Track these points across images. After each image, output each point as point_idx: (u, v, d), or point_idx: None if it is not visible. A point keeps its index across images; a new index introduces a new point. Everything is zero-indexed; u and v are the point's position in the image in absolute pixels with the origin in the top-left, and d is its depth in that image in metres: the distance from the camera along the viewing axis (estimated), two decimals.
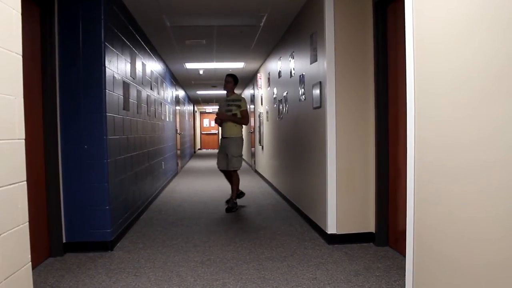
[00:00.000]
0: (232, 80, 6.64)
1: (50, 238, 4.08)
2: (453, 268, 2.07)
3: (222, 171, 6.70)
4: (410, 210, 2.51)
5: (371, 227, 4.43)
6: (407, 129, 2.52)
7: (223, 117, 6.53)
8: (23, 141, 2.24)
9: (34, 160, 3.80)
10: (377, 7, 4.22)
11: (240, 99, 6.63)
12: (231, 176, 6.63)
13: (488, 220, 1.82)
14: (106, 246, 4.34)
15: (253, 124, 12.61)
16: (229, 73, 6.92)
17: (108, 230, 4.36)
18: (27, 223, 2.26)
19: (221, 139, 6.76)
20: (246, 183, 9.75)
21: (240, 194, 6.77)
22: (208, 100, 20.91)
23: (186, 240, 4.72)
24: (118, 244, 4.58)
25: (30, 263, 2.28)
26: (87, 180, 4.28)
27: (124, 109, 5.01)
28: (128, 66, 5.35)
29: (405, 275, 2.61)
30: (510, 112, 1.67)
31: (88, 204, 4.29)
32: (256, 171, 11.96)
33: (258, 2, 5.37)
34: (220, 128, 6.81)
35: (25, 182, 2.25)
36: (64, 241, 4.22)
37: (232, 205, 6.45)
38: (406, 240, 2.57)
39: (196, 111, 24.41)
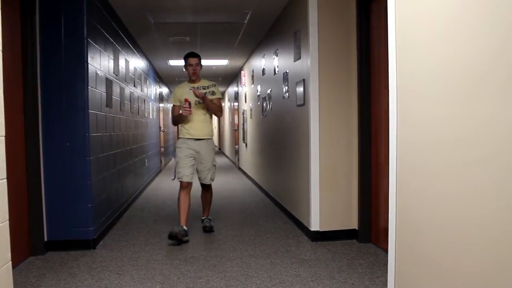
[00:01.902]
0: (199, 62, 4.84)
1: (31, 237, 4.03)
2: (433, 269, 2.09)
3: (187, 183, 4.69)
4: (392, 209, 2.52)
5: (354, 224, 4.46)
6: (389, 129, 2.53)
7: (210, 105, 4.66)
8: (3, 138, 2.21)
9: (14, 157, 3.75)
10: (360, 5, 4.24)
11: (213, 84, 4.88)
12: (207, 191, 5.04)
13: (468, 222, 1.84)
14: (89, 244, 4.30)
15: (237, 122, 12.59)
16: (192, 51, 4.97)
17: (91, 228, 4.32)
18: (7, 221, 2.23)
19: (185, 140, 4.72)
20: (229, 180, 9.75)
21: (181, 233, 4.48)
22: None
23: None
24: (100, 242, 4.54)
25: (10, 262, 2.25)
26: (69, 178, 4.23)
27: (107, 106, 4.97)
28: (111, 62, 5.30)
29: (387, 271, 2.63)
30: (493, 110, 1.68)
31: (70, 202, 4.25)
32: (239, 169, 11.95)
33: None
34: (179, 124, 4.85)
35: (5, 180, 2.21)
36: (45, 239, 4.17)
37: (210, 224, 5.02)
38: (388, 238, 2.59)
39: None
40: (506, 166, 1.60)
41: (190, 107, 4.55)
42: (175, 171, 4.76)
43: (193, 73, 4.75)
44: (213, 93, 4.80)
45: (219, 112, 4.84)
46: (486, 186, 1.72)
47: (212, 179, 4.91)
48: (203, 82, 4.86)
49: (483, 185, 1.74)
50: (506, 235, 1.61)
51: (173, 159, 4.71)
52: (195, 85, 4.77)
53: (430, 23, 2.11)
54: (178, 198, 4.70)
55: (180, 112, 4.63)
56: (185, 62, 4.82)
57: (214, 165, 4.88)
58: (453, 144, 1.93)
